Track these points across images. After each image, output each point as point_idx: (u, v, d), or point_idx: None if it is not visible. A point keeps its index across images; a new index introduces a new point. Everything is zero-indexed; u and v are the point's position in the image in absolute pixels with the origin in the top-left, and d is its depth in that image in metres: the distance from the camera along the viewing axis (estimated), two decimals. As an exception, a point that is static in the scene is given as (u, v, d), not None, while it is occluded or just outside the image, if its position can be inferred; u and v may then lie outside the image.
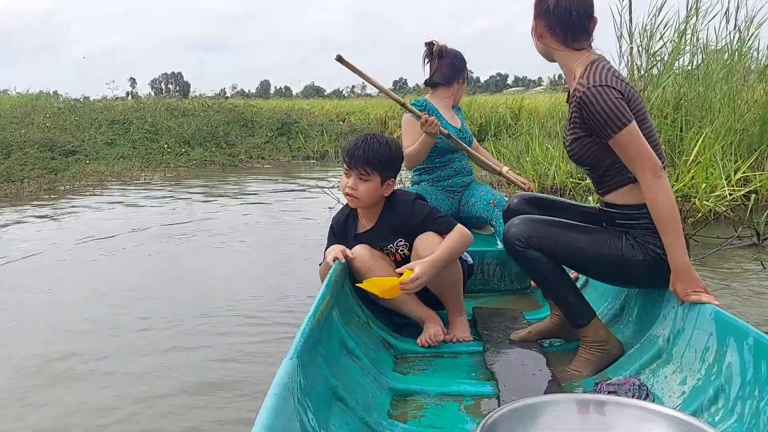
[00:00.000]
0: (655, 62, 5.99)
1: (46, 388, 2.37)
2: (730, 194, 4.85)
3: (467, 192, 3.43)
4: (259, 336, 2.83)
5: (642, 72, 5.98)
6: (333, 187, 7.22)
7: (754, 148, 5.59)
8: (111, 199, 7.11)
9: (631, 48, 6.02)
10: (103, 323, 3.05)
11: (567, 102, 2.03)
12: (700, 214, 4.75)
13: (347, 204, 2.51)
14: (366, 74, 3.16)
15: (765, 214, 4.42)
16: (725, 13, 6.19)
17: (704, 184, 4.87)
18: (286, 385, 1.40)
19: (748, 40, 6.19)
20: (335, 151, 11.81)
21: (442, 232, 2.34)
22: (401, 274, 2.17)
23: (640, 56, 6.03)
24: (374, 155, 2.31)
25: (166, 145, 11.28)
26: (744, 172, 5.15)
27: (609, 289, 2.40)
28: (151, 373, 2.48)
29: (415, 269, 2.15)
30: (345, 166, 2.37)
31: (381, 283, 2.19)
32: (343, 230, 2.54)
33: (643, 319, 2.11)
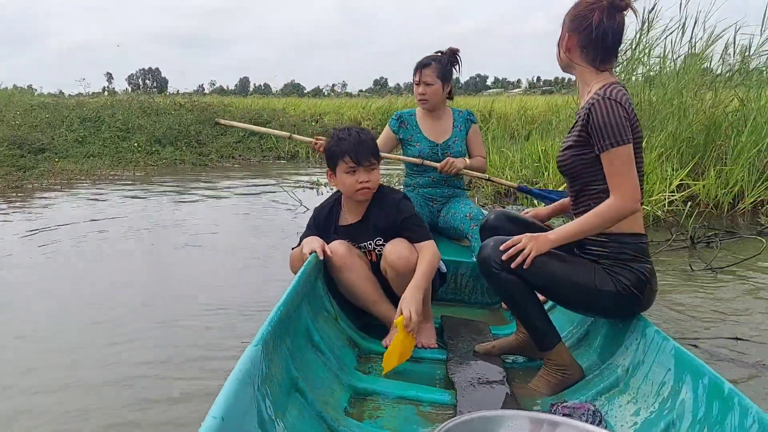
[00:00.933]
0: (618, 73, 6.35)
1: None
2: (668, 198, 5.19)
3: (448, 203, 3.42)
4: (220, 331, 2.88)
5: None
6: (300, 187, 7.30)
7: (699, 156, 5.88)
8: (78, 197, 7.07)
9: None
10: (64, 326, 3.00)
11: (576, 114, 2.06)
12: None
13: (332, 196, 2.57)
14: (246, 125, 3.97)
15: (690, 218, 4.80)
16: (682, 27, 6.52)
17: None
18: (248, 371, 1.41)
19: (704, 52, 6.53)
20: (306, 152, 11.90)
21: (414, 239, 2.38)
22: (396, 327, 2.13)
23: None
24: (373, 143, 2.40)
25: (136, 144, 11.25)
26: (682, 179, 5.45)
27: (575, 314, 2.44)
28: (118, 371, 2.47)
29: (403, 311, 2.11)
30: (350, 163, 2.35)
31: (393, 352, 2.12)
32: (324, 220, 2.54)
33: (605, 347, 2.14)
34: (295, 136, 3.45)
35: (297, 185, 7.98)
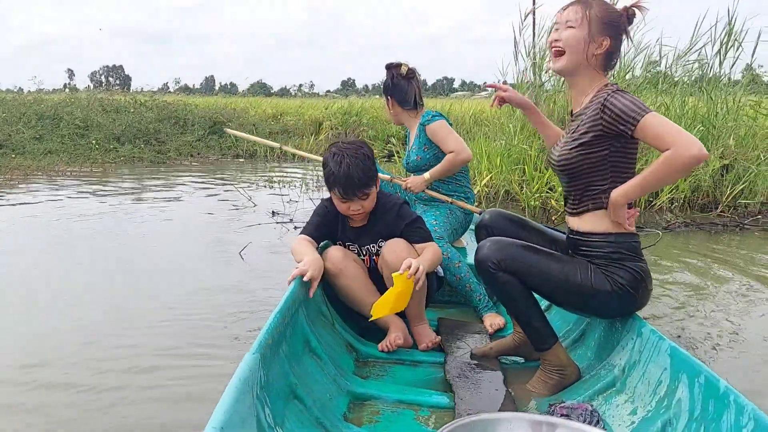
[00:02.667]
0: (548, 78, 7.00)
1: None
2: None
3: (422, 210, 3.30)
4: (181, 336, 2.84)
5: (535, 86, 7.02)
6: (255, 187, 7.45)
7: None
8: (35, 192, 7.14)
9: (525, 66, 7.10)
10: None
11: (571, 118, 2.05)
12: (558, 214, 5.48)
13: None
14: (250, 137, 4.05)
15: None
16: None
17: (561, 188, 5.59)
18: (247, 379, 1.41)
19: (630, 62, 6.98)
20: (264, 151, 12.00)
21: (416, 242, 2.39)
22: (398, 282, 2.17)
23: (534, 73, 7.05)
24: (366, 174, 2.32)
25: (95, 141, 11.28)
26: None
27: (572, 314, 2.45)
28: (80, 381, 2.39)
29: (407, 261, 2.17)
30: (339, 195, 2.34)
31: (386, 302, 2.16)
32: (334, 215, 2.50)
33: (601, 347, 2.16)
34: (285, 147, 3.67)
35: (252, 185, 8.07)
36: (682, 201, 6.03)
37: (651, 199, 6.02)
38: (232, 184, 7.92)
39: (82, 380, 2.37)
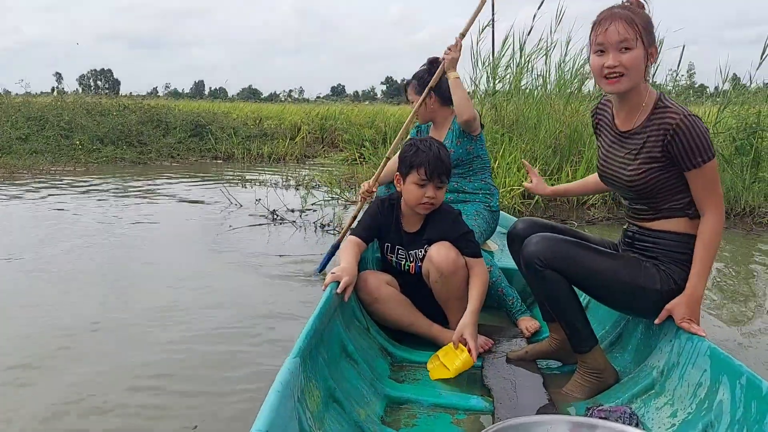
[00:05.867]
0: (502, 86, 7.51)
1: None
2: (516, 192, 6.19)
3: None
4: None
5: (489, 93, 7.50)
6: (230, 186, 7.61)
7: (564, 158, 6.81)
8: (21, 189, 7.41)
9: (478, 74, 7.56)
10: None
11: (622, 133, 2.00)
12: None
13: (394, 194, 2.55)
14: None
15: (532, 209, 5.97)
16: (546, 50, 7.38)
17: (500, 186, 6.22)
18: (288, 383, 1.44)
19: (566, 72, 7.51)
20: (242, 153, 12.21)
21: (465, 254, 2.41)
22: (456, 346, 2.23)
23: (488, 81, 7.59)
24: (449, 162, 2.41)
25: (78, 142, 11.55)
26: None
27: (608, 316, 2.43)
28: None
29: (468, 341, 2.19)
30: (423, 177, 2.35)
31: (447, 363, 2.20)
32: (386, 217, 2.54)
33: (639, 349, 2.14)
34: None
35: (229, 185, 8.18)
36: (610, 200, 6.32)
37: (584, 197, 6.34)
38: (218, 185, 8.07)
39: (114, 383, 2.39)
